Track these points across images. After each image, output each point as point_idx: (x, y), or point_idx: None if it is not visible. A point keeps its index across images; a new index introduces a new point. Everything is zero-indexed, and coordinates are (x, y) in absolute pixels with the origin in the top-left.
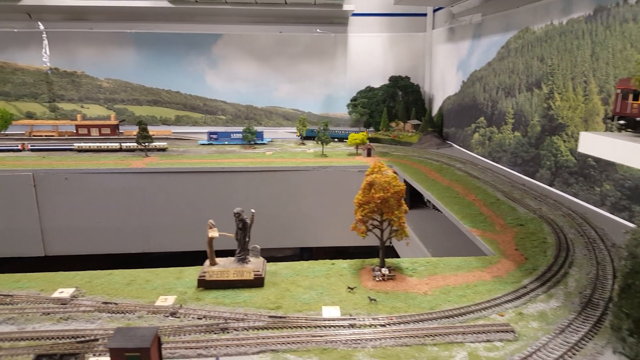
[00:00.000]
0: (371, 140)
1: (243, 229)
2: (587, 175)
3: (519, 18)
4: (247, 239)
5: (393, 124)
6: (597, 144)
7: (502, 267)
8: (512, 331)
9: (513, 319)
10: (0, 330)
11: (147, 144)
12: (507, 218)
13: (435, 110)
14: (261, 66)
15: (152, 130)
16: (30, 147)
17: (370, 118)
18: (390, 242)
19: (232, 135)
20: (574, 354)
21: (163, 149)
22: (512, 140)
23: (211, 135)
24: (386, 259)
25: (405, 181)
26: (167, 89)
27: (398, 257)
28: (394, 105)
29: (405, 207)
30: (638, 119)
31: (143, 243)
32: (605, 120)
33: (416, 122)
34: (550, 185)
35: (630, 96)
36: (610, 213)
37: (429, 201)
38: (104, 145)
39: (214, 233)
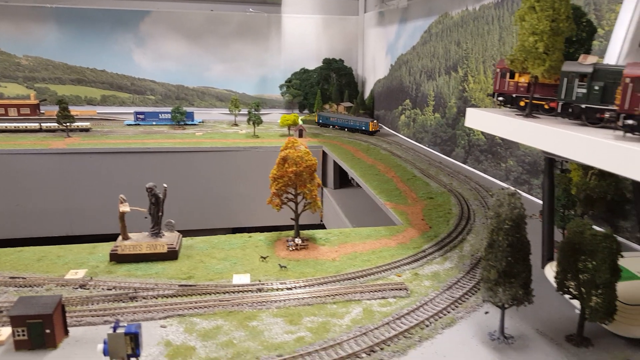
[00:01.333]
0: (305, 122)
1: (156, 203)
2: (495, 153)
3: (439, 3)
4: (160, 214)
5: (327, 106)
6: (478, 119)
7: (407, 235)
8: (406, 289)
9: (409, 279)
10: None
11: (68, 124)
12: (420, 192)
13: (367, 93)
14: (192, 45)
15: (76, 110)
16: None
17: (304, 100)
18: (322, 220)
19: (160, 115)
20: (456, 307)
21: (86, 130)
22: (432, 121)
23: (138, 116)
24: (303, 231)
25: (334, 161)
26: (91, 67)
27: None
28: (327, 88)
29: (318, 180)
30: (514, 95)
31: (66, 226)
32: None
33: (349, 104)
34: (464, 163)
35: (507, 75)
36: (513, 187)
37: (354, 183)
38: (22, 125)
39: (125, 208)
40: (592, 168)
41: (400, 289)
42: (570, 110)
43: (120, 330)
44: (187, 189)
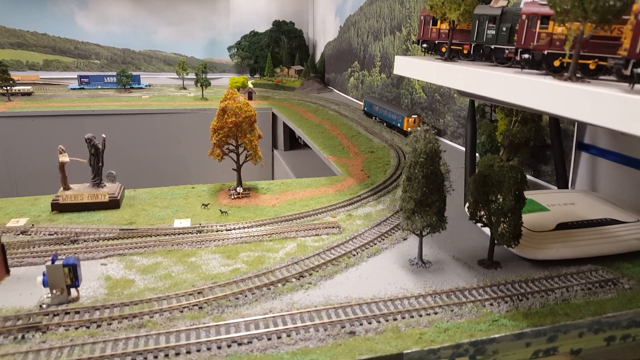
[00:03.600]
0: (256, 85)
1: (95, 154)
2: (434, 109)
3: None
4: (100, 164)
5: (277, 70)
6: (405, 66)
7: (345, 183)
8: (338, 227)
9: (342, 219)
10: None
11: (8, 87)
12: (362, 147)
13: (318, 56)
14: (136, 7)
15: (18, 75)
16: None
17: (255, 64)
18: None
19: (105, 79)
20: (382, 240)
21: (28, 94)
22: (379, 82)
23: (82, 79)
24: (247, 182)
25: (284, 123)
26: (32, 30)
27: None
28: (278, 51)
29: (258, 132)
30: (436, 42)
31: (11, 188)
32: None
33: (299, 67)
34: None
35: (430, 22)
36: (450, 141)
37: (301, 141)
38: None
39: (64, 158)
40: (516, 116)
41: (333, 227)
42: (481, 51)
43: (58, 263)
44: (134, 150)
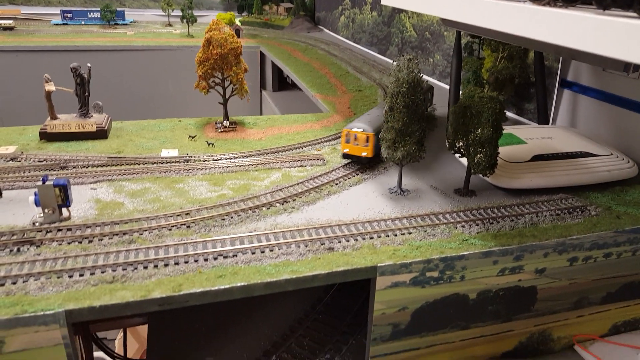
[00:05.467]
0: (243, 23)
1: (81, 84)
2: (424, 48)
3: None
4: (86, 94)
5: (266, 7)
6: None
7: (332, 120)
8: (323, 159)
9: (327, 152)
10: None
11: None
12: (350, 86)
13: None
14: None
15: None
16: None
17: (243, 1)
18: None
19: (89, 14)
20: (364, 171)
21: (10, 28)
22: (370, 20)
23: (65, 14)
24: (233, 117)
25: (273, 63)
26: None
27: None
28: None
29: (244, 65)
30: None
31: None
32: None
33: (289, 5)
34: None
35: None
36: (438, 80)
37: (289, 80)
38: None
39: (50, 87)
40: (502, 52)
41: (318, 159)
42: None
43: (49, 183)
44: (119, 87)
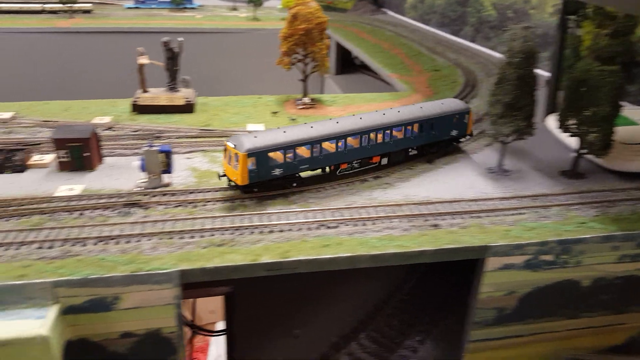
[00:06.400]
0: None
1: (172, 58)
2: (505, 28)
3: None
4: (176, 68)
5: None
6: None
7: (411, 99)
8: None
9: None
10: None
11: (70, 4)
12: (425, 66)
13: None
14: None
15: None
16: None
17: None
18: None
19: None
20: (459, 150)
21: (88, 11)
22: (442, 0)
23: None
24: (309, 95)
25: (337, 45)
26: None
27: None
28: None
29: (327, 41)
30: None
31: (77, 94)
32: None
33: None
34: (472, 42)
35: None
36: None
37: (357, 61)
38: (25, 6)
39: (144, 60)
40: (606, 28)
41: None
42: None
43: (154, 148)
44: (190, 69)
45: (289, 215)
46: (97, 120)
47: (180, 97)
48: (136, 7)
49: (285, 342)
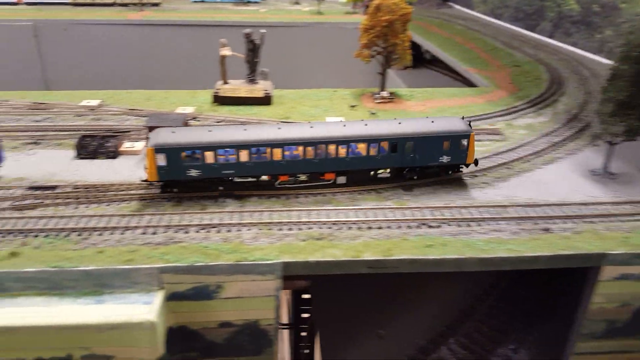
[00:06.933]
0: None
1: (253, 50)
2: (589, 23)
3: None
4: (256, 60)
5: None
6: None
7: (495, 95)
8: (501, 134)
9: (502, 128)
10: (43, 123)
11: None
12: (504, 60)
13: None
14: None
15: None
16: (25, 1)
17: None
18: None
19: None
20: (555, 149)
21: (156, 4)
22: None
23: None
24: (387, 89)
25: None
26: None
27: None
28: None
29: (409, 33)
30: None
31: (153, 84)
32: None
33: None
34: (550, 37)
35: None
36: (607, 59)
37: (427, 55)
38: None
39: (226, 51)
40: None
41: (496, 134)
42: None
43: None
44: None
45: (385, 212)
46: (180, 110)
47: (259, 89)
48: (202, 1)
49: (368, 341)
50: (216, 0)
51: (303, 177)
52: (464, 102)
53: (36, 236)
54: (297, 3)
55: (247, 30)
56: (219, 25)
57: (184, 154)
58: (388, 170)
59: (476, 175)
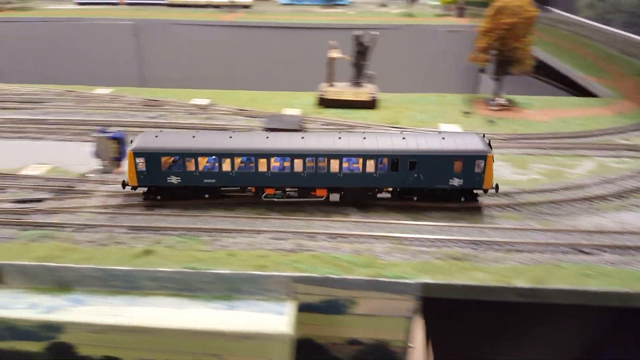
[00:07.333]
0: (465, 3)
1: (362, 52)
2: None
3: None
4: (364, 63)
5: None
6: None
7: (623, 106)
8: None
9: None
10: (158, 120)
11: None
12: (625, 69)
13: None
14: None
15: None
16: (126, 1)
17: None
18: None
19: None
20: None
21: (247, 6)
22: None
23: None
24: (503, 95)
25: None
26: None
27: None
28: None
29: (531, 37)
30: None
31: (251, 85)
32: None
33: None
34: None
35: None
36: None
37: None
38: (193, 0)
39: (335, 54)
40: None
41: (636, 150)
42: None
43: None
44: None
45: (529, 233)
46: (286, 111)
47: (365, 92)
48: (291, 4)
49: None
50: (304, 3)
51: (292, 192)
52: (590, 113)
53: (167, 235)
54: (384, 5)
55: (358, 32)
56: (310, 28)
57: (164, 159)
58: (390, 189)
59: (622, 196)
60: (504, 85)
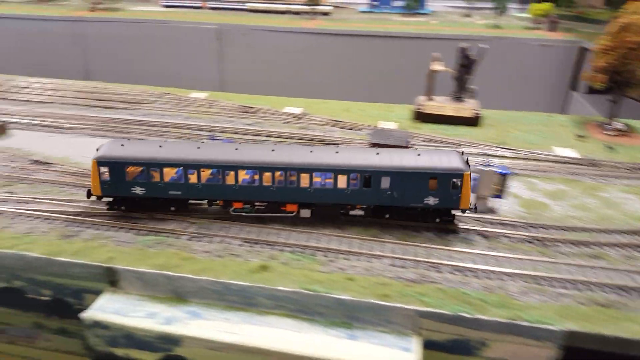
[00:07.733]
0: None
1: (466, 65)
2: None
3: None
4: (467, 77)
5: None
6: None
7: None
8: None
9: None
10: (254, 127)
11: (314, 6)
12: None
13: None
14: None
15: None
16: (209, 6)
17: None
18: None
19: (392, 2)
20: None
21: (327, 14)
22: None
23: (372, 2)
24: (618, 119)
25: None
26: None
27: None
28: None
29: None
30: None
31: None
32: None
33: None
34: None
35: None
36: None
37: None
38: (272, 6)
39: (437, 66)
40: None
41: None
42: None
43: (492, 169)
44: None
45: None
46: (381, 124)
47: (467, 108)
48: (369, 12)
49: None
50: (383, 11)
51: (260, 206)
52: None
53: (281, 250)
54: (468, 15)
55: (464, 45)
56: (392, 37)
57: (128, 169)
58: (363, 206)
59: None
60: (620, 109)
